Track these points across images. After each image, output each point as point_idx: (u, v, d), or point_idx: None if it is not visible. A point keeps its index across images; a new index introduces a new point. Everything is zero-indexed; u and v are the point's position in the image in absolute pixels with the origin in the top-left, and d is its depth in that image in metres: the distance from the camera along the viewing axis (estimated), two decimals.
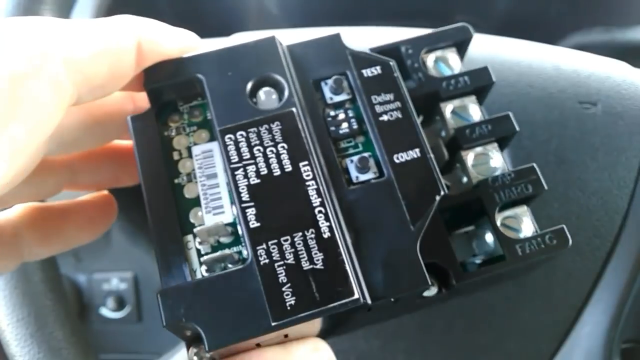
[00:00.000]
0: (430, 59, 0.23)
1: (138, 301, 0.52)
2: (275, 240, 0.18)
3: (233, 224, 0.20)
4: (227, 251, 0.20)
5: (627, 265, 0.30)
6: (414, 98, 0.21)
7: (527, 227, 0.21)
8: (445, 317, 0.30)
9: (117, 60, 0.18)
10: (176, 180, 0.21)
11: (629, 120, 0.31)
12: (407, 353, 0.30)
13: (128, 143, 0.25)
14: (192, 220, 0.20)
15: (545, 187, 0.21)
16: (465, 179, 0.22)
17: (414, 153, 0.20)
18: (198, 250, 0.20)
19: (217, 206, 0.20)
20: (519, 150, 0.30)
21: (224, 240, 0.20)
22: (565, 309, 0.30)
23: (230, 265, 0.19)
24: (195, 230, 0.20)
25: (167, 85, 0.21)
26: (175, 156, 0.21)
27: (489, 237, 0.22)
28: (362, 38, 0.33)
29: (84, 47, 0.17)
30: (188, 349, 0.18)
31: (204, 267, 0.19)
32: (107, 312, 0.52)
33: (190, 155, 0.21)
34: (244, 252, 0.19)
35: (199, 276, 0.19)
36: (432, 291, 0.21)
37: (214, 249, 0.20)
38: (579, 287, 0.30)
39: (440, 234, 0.21)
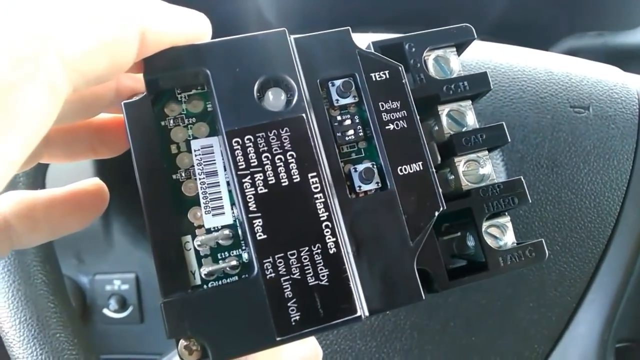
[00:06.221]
0: (430, 59, 0.23)
1: (140, 302, 0.53)
2: (282, 254, 0.18)
3: (232, 226, 0.19)
4: (228, 262, 0.19)
5: (620, 266, 0.31)
6: (414, 99, 0.22)
7: (509, 237, 0.22)
8: (440, 317, 0.31)
9: (117, 54, 0.17)
10: (174, 176, 0.20)
11: (620, 123, 0.31)
12: (403, 353, 0.31)
13: (108, 116, 0.23)
14: (191, 220, 0.19)
15: (529, 201, 0.22)
16: (452, 182, 0.22)
17: (417, 166, 0.20)
18: (197, 252, 0.19)
19: (217, 207, 0.20)
20: (512, 153, 0.31)
21: (224, 242, 0.19)
22: (559, 309, 0.31)
23: (229, 270, 0.19)
24: (196, 239, 0.19)
25: (169, 76, 0.19)
26: (173, 149, 0.20)
27: (471, 242, 0.22)
28: (359, 44, 0.34)
29: (81, 43, 0.16)
30: (177, 343, 0.18)
31: (203, 271, 0.19)
32: (110, 312, 0.53)
33: (188, 150, 0.20)
34: (244, 256, 0.19)
35: (197, 279, 0.19)
36: None
37: (213, 251, 0.19)
38: (573, 288, 0.31)
39: (431, 241, 0.21)
